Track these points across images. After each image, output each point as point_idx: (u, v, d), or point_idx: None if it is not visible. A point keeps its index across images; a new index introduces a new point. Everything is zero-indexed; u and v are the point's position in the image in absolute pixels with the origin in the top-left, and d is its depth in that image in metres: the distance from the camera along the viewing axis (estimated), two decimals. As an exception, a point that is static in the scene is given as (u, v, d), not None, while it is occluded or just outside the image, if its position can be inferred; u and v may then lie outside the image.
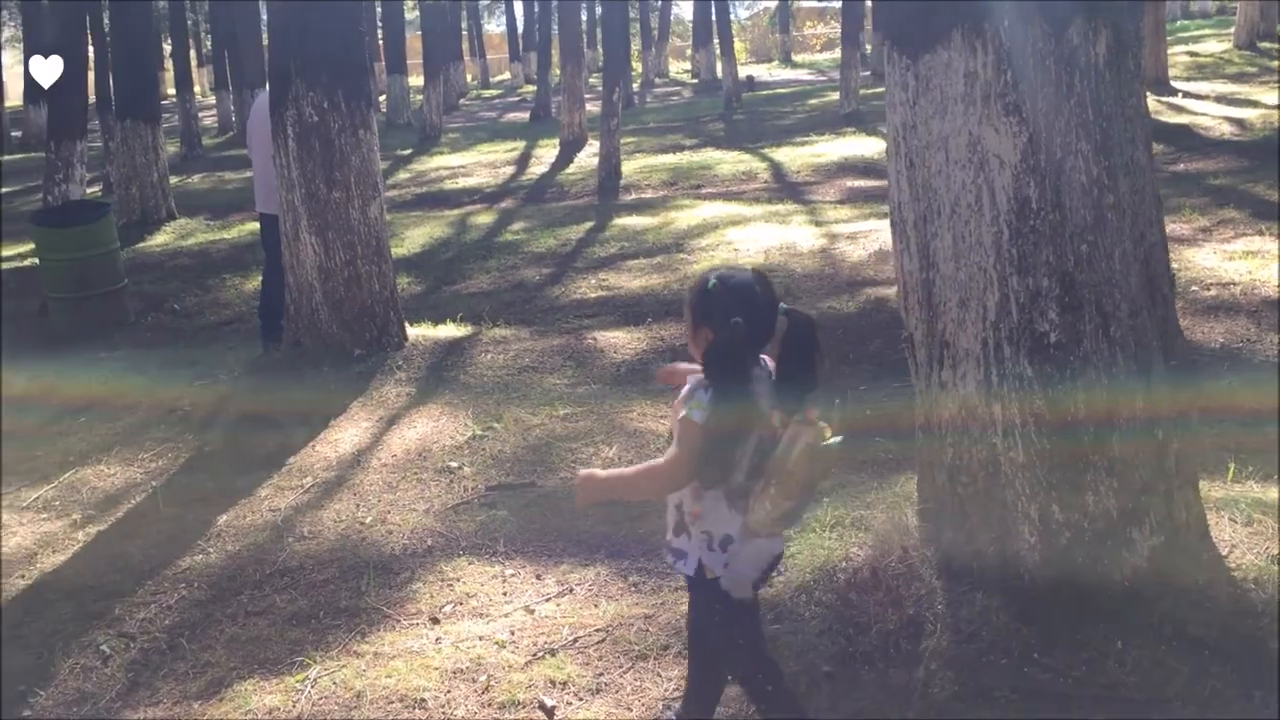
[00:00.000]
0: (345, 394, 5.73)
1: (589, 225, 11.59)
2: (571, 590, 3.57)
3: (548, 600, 3.51)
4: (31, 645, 3.45)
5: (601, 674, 3.02)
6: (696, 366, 2.45)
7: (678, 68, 50.91)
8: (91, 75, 19.26)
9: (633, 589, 3.52)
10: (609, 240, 10.55)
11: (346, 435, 5.20)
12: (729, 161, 16.35)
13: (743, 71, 30.34)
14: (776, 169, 15.36)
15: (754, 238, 9.72)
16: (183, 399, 5.99)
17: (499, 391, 5.60)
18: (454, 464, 4.70)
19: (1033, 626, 2.73)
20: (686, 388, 2.43)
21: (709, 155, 17.66)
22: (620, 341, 6.36)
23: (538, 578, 3.67)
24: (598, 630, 3.24)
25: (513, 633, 3.28)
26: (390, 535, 4.07)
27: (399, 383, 5.82)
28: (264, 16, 39.98)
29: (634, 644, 3.14)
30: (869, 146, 16.40)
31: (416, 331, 6.59)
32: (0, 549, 4.25)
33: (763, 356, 2.45)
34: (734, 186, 14.57)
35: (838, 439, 2.26)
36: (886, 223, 9.85)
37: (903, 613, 2.84)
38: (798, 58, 51.70)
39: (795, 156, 16.12)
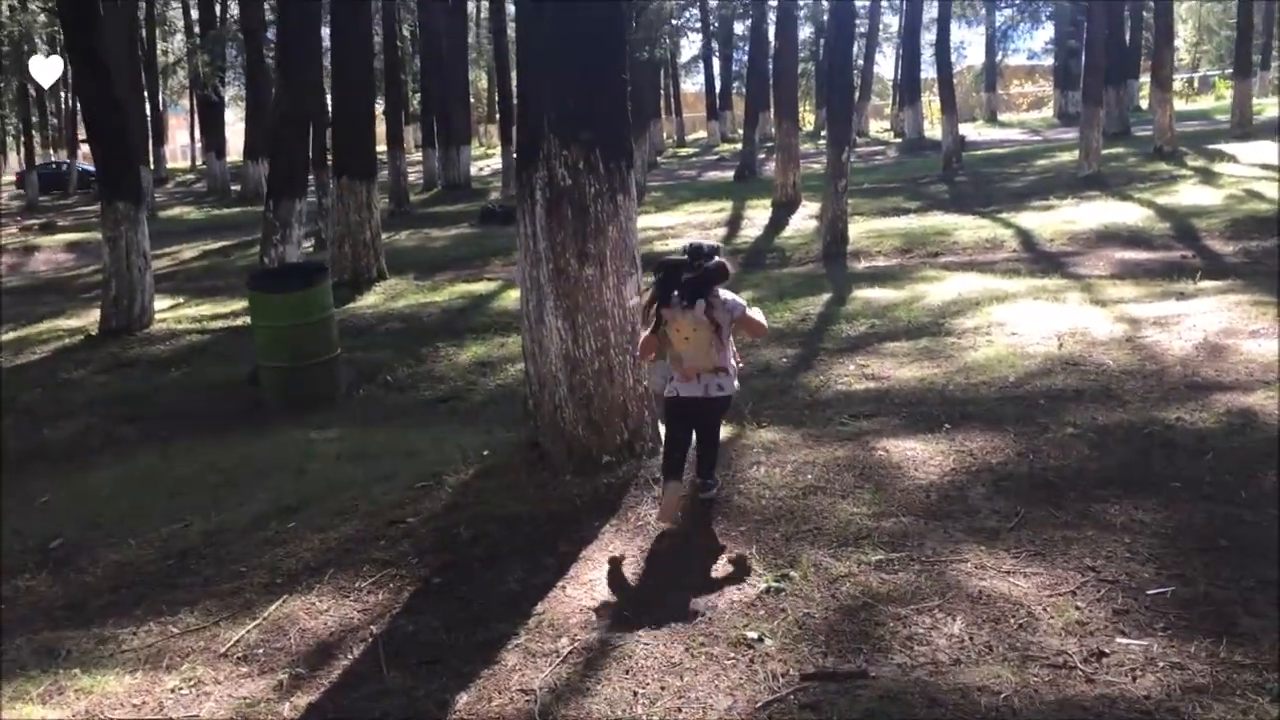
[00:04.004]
0: (594, 513, 4.74)
1: (826, 297, 10.48)
2: None
3: None
4: None
5: None
6: None
7: (876, 127, 49.54)
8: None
9: None
10: (855, 316, 9.40)
11: (601, 575, 4.18)
12: (967, 227, 15.00)
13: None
14: (1025, 237, 13.93)
15: (1028, 318, 8.42)
16: (403, 506, 5.11)
17: (784, 521, 4.49)
18: (751, 634, 3.60)
19: None
20: None
21: (939, 220, 16.34)
22: (918, 455, 5.17)
23: None
24: None
25: None
26: (691, 752, 3.00)
27: (658, 502, 4.79)
28: (470, 75, 40.52)
29: None
30: (1127, 213, 14.79)
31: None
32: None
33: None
34: (979, 255, 13.23)
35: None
36: (1190, 305, 8.40)
37: None
38: (1003, 117, 49.60)
39: (1043, 223, 14.64)
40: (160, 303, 13.81)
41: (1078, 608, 3.64)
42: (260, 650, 3.86)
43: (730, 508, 4.67)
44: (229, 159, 38.83)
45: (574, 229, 5.04)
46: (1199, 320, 7.69)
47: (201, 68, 33.40)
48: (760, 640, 3.56)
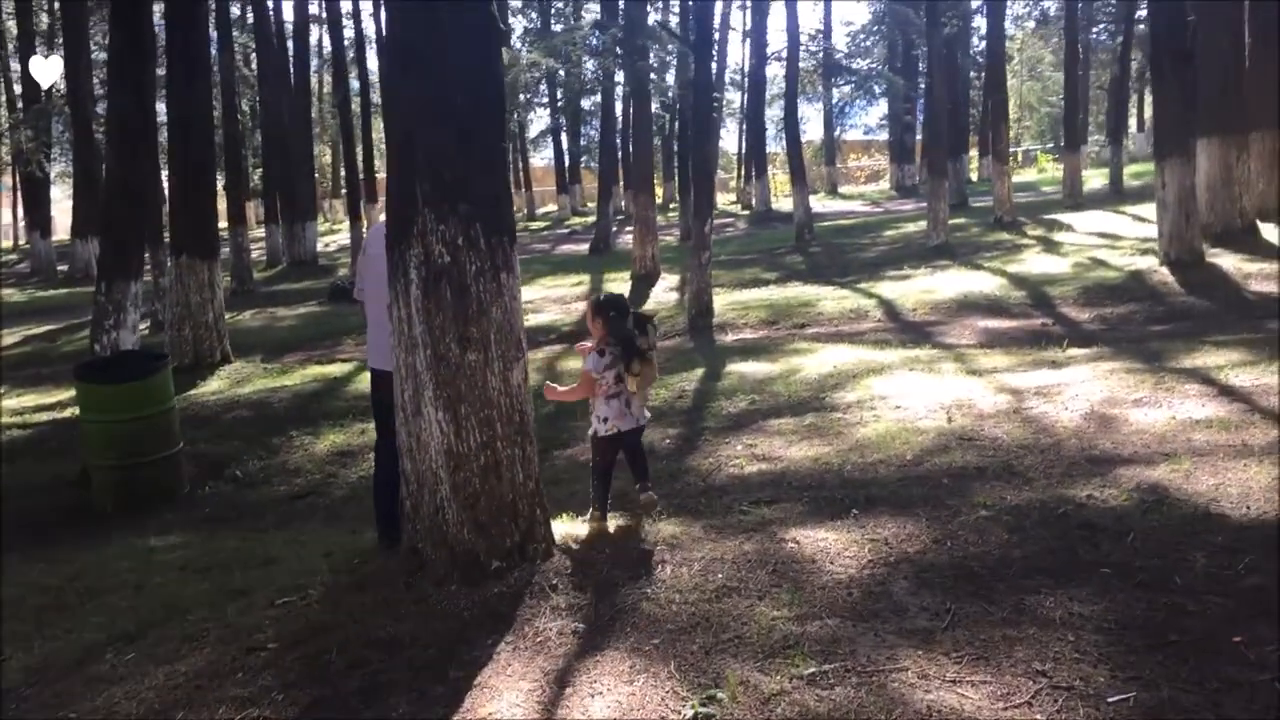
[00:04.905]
0: (487, 630, 4.21)
1: (700, 372, 10.21)
2: None
3: None
4: None
5: None
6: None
7: (722, 199, 50.35)
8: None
9: None
10: (732, 392, 9.13)
11: (503, 706, 3.66)
12: (829, 298, 15.04)
13: (789, 203, 29.45)
14: (888, 307, 14.01)
15: (909, 390, 8.28)
16: (263, 629, 4.48)
17: (701, 630, 4.06)
18: (685, 774, 3.14)
19: None
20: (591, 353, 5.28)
21: (801, 291, 16.40)
22: (830, 546, 4.83)
23: None
24: None
25: None
26: None
27: (558, 613, 4.29)
28: (314, 150, 39.64)
29: None
30: (981, 281, 15.07)
31: (561, 529, 5.10)
32: None
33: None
34: (845, 326, 13.21)
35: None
36: (1066, 374, 8.35)
37: None
38: (844, 189, 51.13)
39: (903, 293, 14.79)
40: (-24, 394, 12.66)
41: (1039, 721, 3.30)
42: (94, 828, 3.20)
43: (640, 616, 4.21)
44: (55, 237, 36.84)
45: (454, 311, 4.57)
46: (1080, 390, 7.64)
47: (25, 143, 31.64)
48: (697, 784, 3.10)
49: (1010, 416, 7.14)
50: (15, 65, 36.56)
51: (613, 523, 5.29)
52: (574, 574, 4.62)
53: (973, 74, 40.46)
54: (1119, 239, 18.27)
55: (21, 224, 44.76)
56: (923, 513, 5.21)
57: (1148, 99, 50.03)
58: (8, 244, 51.13)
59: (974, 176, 42.32)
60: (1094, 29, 39.47)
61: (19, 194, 42.39)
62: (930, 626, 4.02)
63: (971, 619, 4.04)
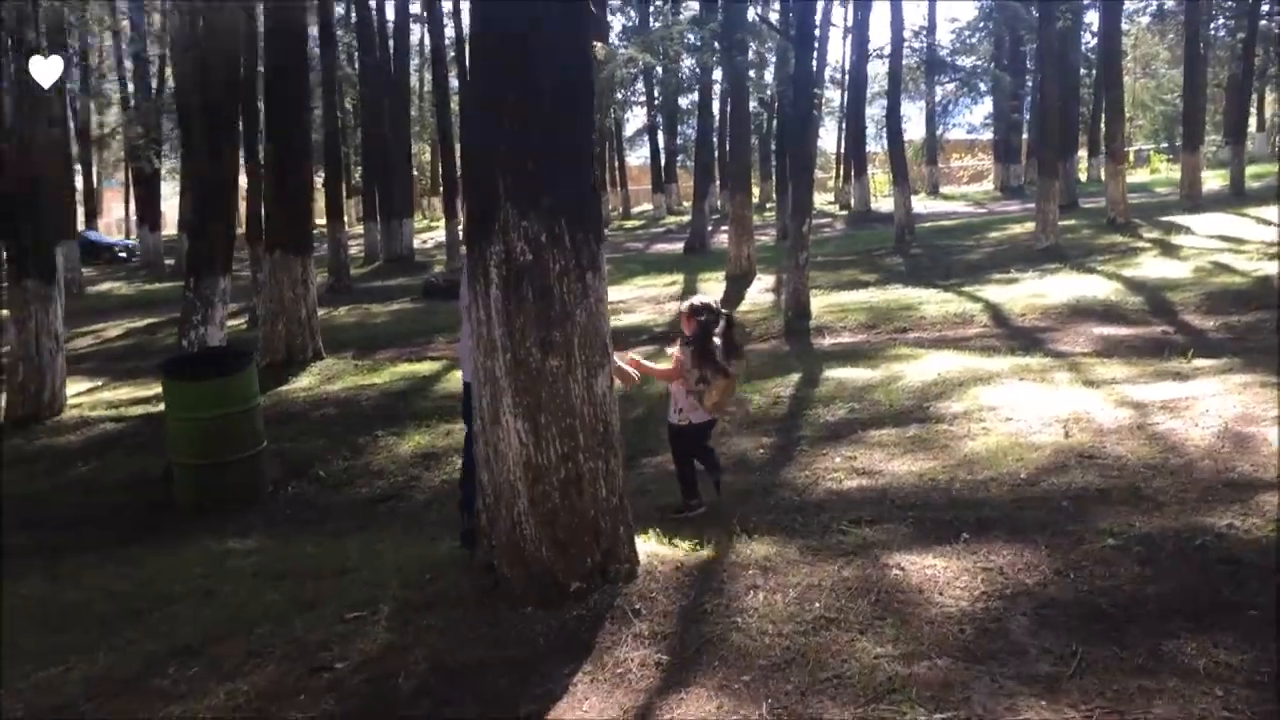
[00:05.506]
0: (563, 657, 3.90)
1: (796, 378, 9.78)
2: None
3: None
4: None
5: None
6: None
7: (820, 199, 49.47)
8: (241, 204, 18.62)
9: None
10: (830, 400, 8.70)
11: (579, 746, 3.34)
12: (931, 301, 14.44)
13: (889, 204, 28.78)
14: (994, 311, 13.38)
15: (1020, 401, 7.76)
16: (330, 647, 4.23)
17: (797, 667, 3.69)
18: (779, 840, 2.78)
19: None
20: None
21: (901, 293, 15.81)
22: (939, 575, 4.42)
23: None
24: None
25: None
26: None
27: (640, 642, 3.96)
28: (412, 147, 40.00)
29: None
30: (1094, 286, 14.32)
31: (645, 548, 4.76)
32: None
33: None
34: (949, 331, 12.64)
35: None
36: (1193, 387, 7.75)
37: None
38: (945, 190, 49.91)
39: (1011, 297, 14.12)
40: (77, 386, 12.84)
41: (1187, 795, 2.87)
42: None
43: (729, 648, 3.86)
44: (165, 232, 37.75)
45: (536, 313, 4.27)
46: (1210, 405, 7.06)
47: (135, 139, 32.41)
48: None
49: (1134, 433, 6.60)
50: (128, 63, 37.55)
51: (700, 544, 4.95)
52: (658, 598, 4.29)
53: (1082, 71, 39.10)
54: (1243, 242, 17.32)
55: (133, 219, 45.99)
56: (1041, 539, 4.77)
57: (1269, 98, 48.02)
58: (121, 238, 52.65)
59: (1083, 177, 40.89)
60: (1213, 24, 37.89)
61: (130, 189, 43.56)
62: (1054, 672, 3.59)
63: (1101, 665, 3.61)
